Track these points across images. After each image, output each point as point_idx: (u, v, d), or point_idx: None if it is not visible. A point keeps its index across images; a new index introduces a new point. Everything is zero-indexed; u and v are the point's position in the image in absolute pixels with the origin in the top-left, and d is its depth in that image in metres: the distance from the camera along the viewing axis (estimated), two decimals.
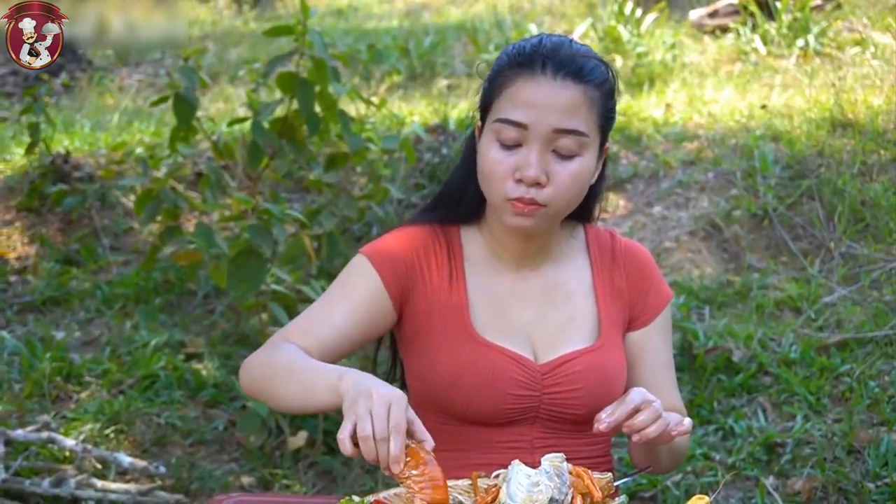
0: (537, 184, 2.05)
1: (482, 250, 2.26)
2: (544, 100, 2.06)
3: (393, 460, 1.78)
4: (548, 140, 2.05)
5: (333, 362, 2.11)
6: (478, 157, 2.16)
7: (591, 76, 2.10)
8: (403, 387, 2.37)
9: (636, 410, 1.94)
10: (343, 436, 1.81)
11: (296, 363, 2.07)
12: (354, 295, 2.18)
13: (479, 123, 2.20)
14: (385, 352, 2.46)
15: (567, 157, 2.07)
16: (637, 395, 1.96)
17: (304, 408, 2.04)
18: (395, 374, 2.41)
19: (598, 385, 2.17)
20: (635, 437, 1.93)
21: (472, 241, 2.27)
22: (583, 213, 2.31)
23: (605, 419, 1.94)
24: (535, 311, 2.22)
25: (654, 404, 1.95)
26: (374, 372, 2.34)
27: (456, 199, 2.28)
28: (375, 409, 1.80)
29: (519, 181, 2.06)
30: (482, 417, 2.17)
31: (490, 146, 2.11)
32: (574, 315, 2.23)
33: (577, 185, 2.10)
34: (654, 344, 2.31)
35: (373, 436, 1.78)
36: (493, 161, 2.09)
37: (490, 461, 2.09)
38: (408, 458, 1.80)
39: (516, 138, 2.07)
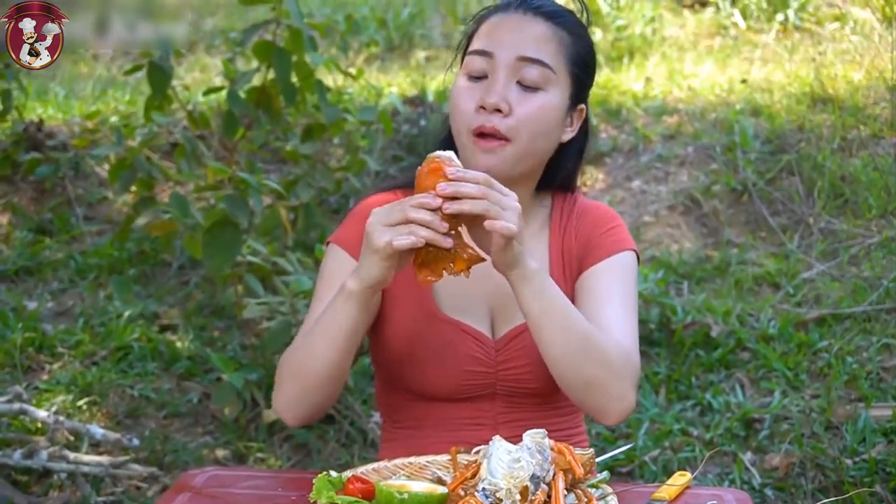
0: (498, 111, 2.03)
1: None
2: (512, 30, 2.09)
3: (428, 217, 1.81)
4: (512, 69, 2.05)
5: (338, 381, 2.04)
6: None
7: (565, 20, 2.13)
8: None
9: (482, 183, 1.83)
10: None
11: (305, 334, 2.05)
12: None
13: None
14: None
15: (531, 88, 2.05)
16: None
17: (346, 337, 1.97)
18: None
19: None
20: (447, 207, 1.80)
21: None
22: (561, 182, 2.25)
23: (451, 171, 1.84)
24: (495, 283, 2.11)
25: (496, 194, 1.82)
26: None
27: None
28: (384, 222, 1.83)
29: (481, 108, 2.04)
30: (440, 393, 2.13)
31: (459, 79, 2.11)
32: None
33: (540, 119, 2.06)
34: (596, 279, 2.15)
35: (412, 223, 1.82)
36: (460, 91, 2.09)
37: (455, 438, 2.07)
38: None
39: (483, 68, 2.07)
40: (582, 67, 2.14)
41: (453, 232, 1.83)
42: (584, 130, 2.23)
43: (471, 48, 2.12)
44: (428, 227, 1.81)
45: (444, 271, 1.86)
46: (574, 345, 1.95)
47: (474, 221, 1.84)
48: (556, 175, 2.21)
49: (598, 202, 2.32)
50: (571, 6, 2.22)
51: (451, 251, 1.84)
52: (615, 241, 2.19)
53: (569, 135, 2.16)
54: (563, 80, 2.09)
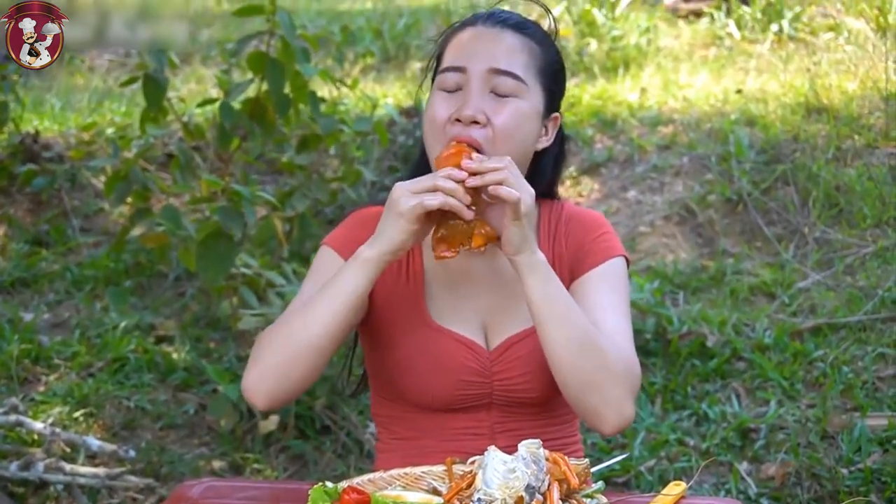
0: (475, 122, 2.03)
1: None
2: (482, 43, 2.11)
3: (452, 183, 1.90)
4: (484, 81, 2.06)
5: (323, 359, 2.02)
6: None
7: (532, 31, 2.16)
8: (363, 379, 2.36)
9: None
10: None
11: (294, 311, 2.08)
12: None
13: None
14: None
15: (504, 96, 2.07)
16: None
17: (348, 308, 1.98)
18: (349, 365, 2.37)
19: (546, 366, 2.03)
20: (470, 181, 1.90)
21: None
22: (543, 190, 2.22)
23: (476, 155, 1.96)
24: (488, 294, 2.15)
25: (516, 171, 1.93)
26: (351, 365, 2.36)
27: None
28: (411, 189, 1.91)
29: (457, 121, 2.04)
30: (436, 403, 2.13)
31: (433, 96, 2.12)
32: (520, 294, 2.06)
33: (516, 126, 2.06)
34: (590, 286, 2.15)
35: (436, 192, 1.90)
36: (435, 107, 2.09)
37: (451, 448, 2.06)
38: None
39: (457, 82, 2.08)
40: (552, 77, 2.16)
41: (474, 208, 1.91)
42: (560, 140, 2.25)
43: (442, 66, 2.13)
44: (454, 197, 1.89)
45: (461, 246, 1.94)
46: (577, 338, 1.96)
47: (491, 204, 1.92)
48: (536, 185, 2.14)
49: (585, 208, 2.32)
50: (551, 15, 2.26)
51: (470, 227, 1.93)
52: (607, 247, 2.20)
53: (543, 143, 2.17)
54: (534, 91, 2.10)
